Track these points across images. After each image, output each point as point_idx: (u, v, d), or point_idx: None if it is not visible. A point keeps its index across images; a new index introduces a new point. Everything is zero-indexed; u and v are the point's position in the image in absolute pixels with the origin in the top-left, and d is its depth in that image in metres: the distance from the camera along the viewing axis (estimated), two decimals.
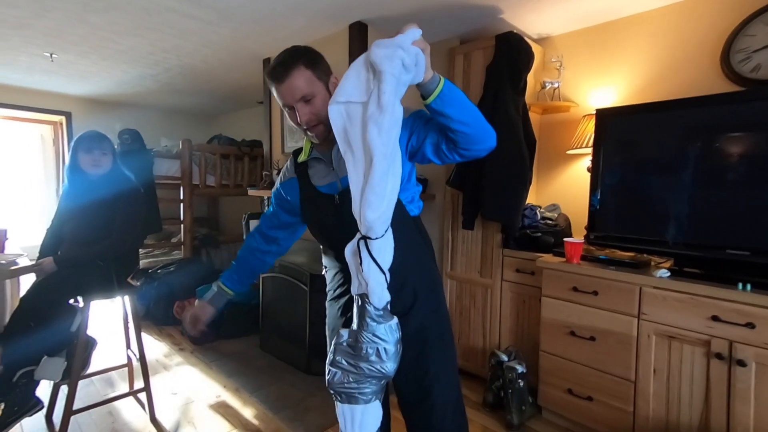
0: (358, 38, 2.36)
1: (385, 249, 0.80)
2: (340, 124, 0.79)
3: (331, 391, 0.84)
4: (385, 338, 0.80)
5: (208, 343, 2.84)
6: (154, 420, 1.91)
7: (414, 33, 0.73)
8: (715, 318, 1.40)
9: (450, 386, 1.01)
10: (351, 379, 0.81)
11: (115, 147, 3.02)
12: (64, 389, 1.83)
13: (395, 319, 0.83)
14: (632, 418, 1.61)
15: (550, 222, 2.23)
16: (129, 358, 2.09)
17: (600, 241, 1.87)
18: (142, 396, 1.96)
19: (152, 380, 2.03)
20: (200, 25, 2.37)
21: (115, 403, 2.01)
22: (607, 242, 1.85)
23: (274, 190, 1.16)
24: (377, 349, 0.80)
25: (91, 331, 1.77)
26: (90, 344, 1.81)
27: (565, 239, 1.88)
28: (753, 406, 1.34)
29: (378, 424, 0.85)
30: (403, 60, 0.72)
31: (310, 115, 0.93)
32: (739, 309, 1.36)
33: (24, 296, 1.61)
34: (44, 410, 1.80)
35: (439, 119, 0.85)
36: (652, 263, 1.74)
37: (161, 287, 3.22)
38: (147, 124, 4.73)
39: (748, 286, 1.37)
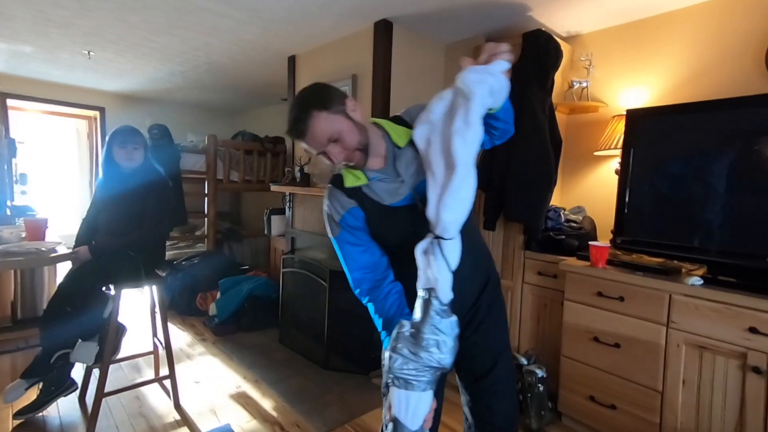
0: (384, 35, 2.37)
1: (454, 250, 0.87)
2: (425, 137, 0.89)
3: (391, 376, 0.88)
4: (446, 332, 0.85)
5: (229, 335, 2.91)
6: (178, 406, 1.98)
7: (504, 65, 0.81)
8: (753, 330, 1.34)
9: (509, 358, 1.14)
10: (411, 367, 0.86)
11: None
12: (95, 372, 1.92)
13: (455, 317, 0.88)
14: (658, 429, 1.56)
15: (575, 225, 2.18)
16: (155, 346, 2.17)
17: (627, 245, 1.81)
18: (167, 383, 2.02)
19: (176, 368, 2.09)
20: (231, 23, 2.43)
21: (142, 388, 2.09)
22: (634, 247, 1.80)
23: (336, 235, 1.04)
24: (437, 341, 0.85)
25: (121, 319, 1.84)
26: (120, 330, 1.88)
27: (590, 243, 1.84)
28: None
29: (427, 411, 0.89)
30: (491, 86, 0.80)
31: (344, 152, 0.93)
32: None
33: (61, 283, 1.70)
34: (77, 392, 1.88)
35: (492, 121, 0.95)
36: (683, 270, 1.68)
37: (185, 278, 3.32)
38: (174, 119, 4.87)
39: None
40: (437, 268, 0.86)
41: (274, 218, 3.54)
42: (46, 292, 2.22)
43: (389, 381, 0.89)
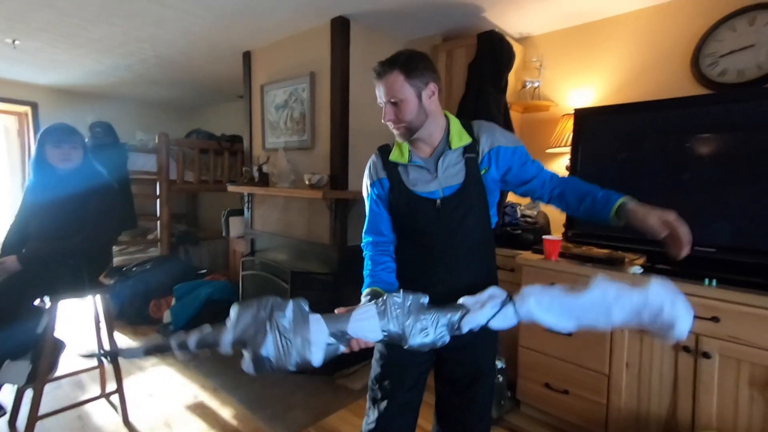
0: (341, 32, 2.34)
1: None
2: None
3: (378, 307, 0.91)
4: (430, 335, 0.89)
5: None
6: (127, 422, 1.86)
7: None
8: None
9: (494, 372, 1.21)
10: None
11: (86, 140, 2.91)
12: (29, 393, 1.75)
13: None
14: (605, 410, 1.66)
15: (530, 220, 2.27)
16: (100, 360, 2.02)
17: (578, 238, 1.91)
18: (115, 398, 1.89)
19: (126, 382, 1.96)
20: (177, 14, 2.30)
21: (86, 406, 1.94)
22: (584, 239, 1.90)
23: (366, 193, 1.16)
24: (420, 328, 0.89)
25: (59, 333, 1.70)
26: (58, 347, 1.73)
27: (543, 237, 1.92)
28: (716, 396, 1.41)
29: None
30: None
31: (394, 117, 1.02)
32: (706, 303, 1.41)
33: None
34: (7, 416, 1.72)
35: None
36: (626, 260, 1.79)
37: (136, 285, 3.12)
38: (121, 117, 4.57)
39: (714, 282, 1.43)
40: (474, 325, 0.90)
41: (233, 219, 3.41)
42: None
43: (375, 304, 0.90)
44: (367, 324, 0.87)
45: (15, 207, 1.79)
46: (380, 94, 1.03)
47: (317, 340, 0.83)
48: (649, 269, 1.63)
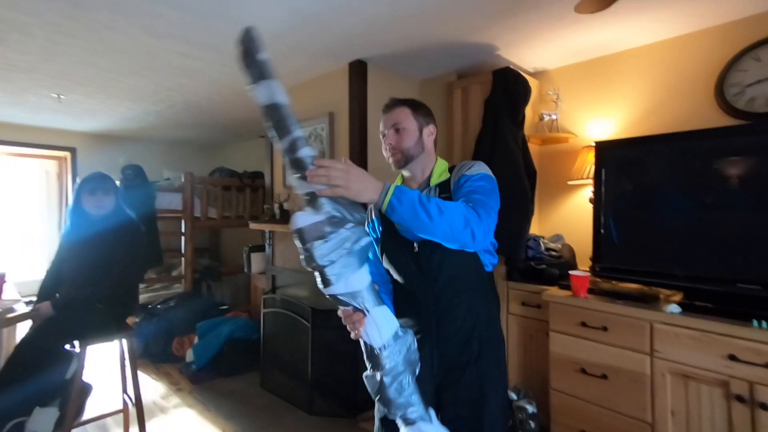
0: (358, 74, 2.42)
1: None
2: None
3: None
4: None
5: (207, 382, 2.76)
6: None
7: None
8: (732, 357, 1.35)
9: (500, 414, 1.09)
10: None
11: (118, 183, 3.06)
12: None
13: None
14: None
15: (554, 253, 2.21)
16: (125, 403, 2.02)
17: (606, 273, 1.84)
18: None
19: (149, 424, 1.95)
20: (204, 65, 2.44)
21: None
22: (613, 274, 1.82)
23: (368, 224, 1.17)
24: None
25: (86, 376, 1.71)
26: (85, 391, 1.75)
27: (570, 272, 1.85)
28: None
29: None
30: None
31: (394, 142, 1.08)
32: (757, 348, 1.31)
33: (19, 343, 1.57)
34: None
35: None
36: (662, 296, 1.70)
37: (160, 323, 3.16)
38: (149, 157, 4.80)
39: (764, 323, 1.33)
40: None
41: (254, 255, 3.45)
42: (4, 354, 2.06)
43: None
44: (384, 326, 0.86)
45: (53, 245, 1.87)
46: (386, 123, 1.10)
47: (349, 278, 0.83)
48: (687, 307, 1.54)
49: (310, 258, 0.81)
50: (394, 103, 1.11)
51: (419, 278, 1.05)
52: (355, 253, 0.83)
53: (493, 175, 1.05)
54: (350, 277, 0.83)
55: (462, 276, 1.04)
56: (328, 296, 0.86)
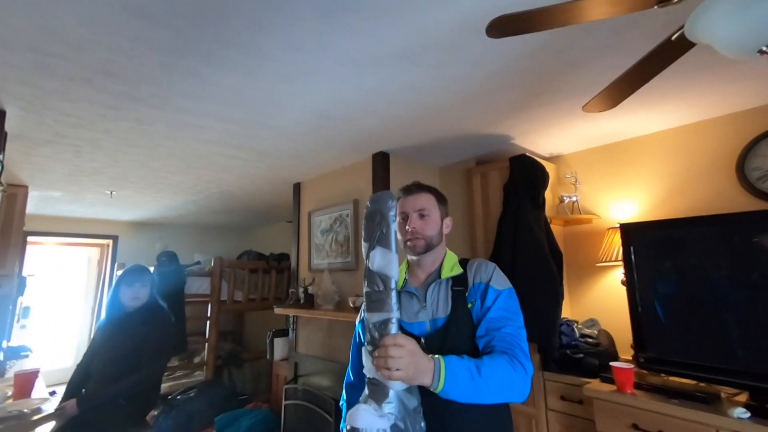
0: (381, 164, 2.59)
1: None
2: None
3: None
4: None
5: None
6: None
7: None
8: None
9: None
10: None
11: (152, 269, 3.18)
12: None
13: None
14: None
15: (591, 340, 2.07)
16: None
17: (652, 364, 1.69)
18: None
19: None
20: (242, 162, 2.68)
21: None
22: (660, 366, 1.67)
23: (358, 321, 1.15)
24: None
25: None
26: None
27: (611, 364, 1.72)
28: None
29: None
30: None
31: (417, 227, 1.06)
32: None
33: None
34: None
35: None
36: (723, 395, 1.53)
37: (179, 416, 3.04)
38: (182, 240, 5.06)
39: None
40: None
41: (277, 341, 3.39)
42: None
43: None
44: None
45: (85, 335, 1.90)
46: (408, 206, 1.08)
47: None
48: (757, 411, 1.36)
49: None
50: (419, 188, 1.10)
51: None
52: None
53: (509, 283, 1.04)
54: None
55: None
56: None
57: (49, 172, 2.70)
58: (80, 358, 1.87)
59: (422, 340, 0.99)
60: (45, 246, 4.55)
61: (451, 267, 1.07)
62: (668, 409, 1.48)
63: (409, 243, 1.07)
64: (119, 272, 1.92)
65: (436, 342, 0.98)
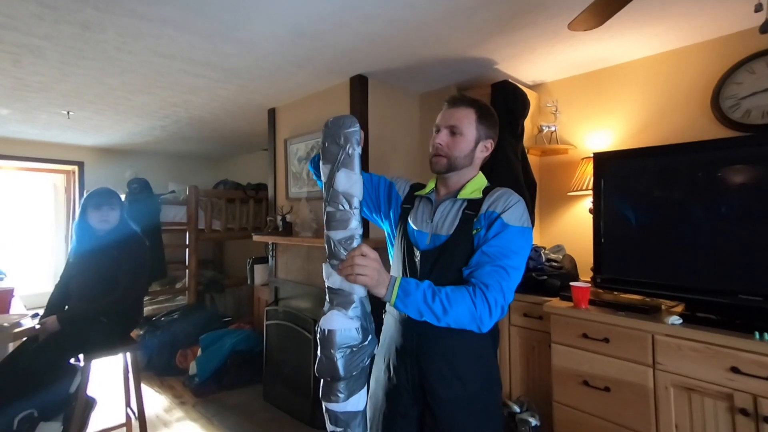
0: (359, 89, 2.47)
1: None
2: None
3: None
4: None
5: (211, 395, 2.76)
6: None
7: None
8: (734, 369, 1.34)
9: None
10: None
11: (124, 196, 3.10)
12: None
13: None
14: None
15: (556, 264, 2.21)
16: (128, 417, 2.03)
17: (607, 284, 1.84)
18: None
19: None
20: (209, 82, 2.50)
21: None
22: (614, 285, 1.82)
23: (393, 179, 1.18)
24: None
25: (90, 390, 1.73)
26: (89, 405, 1.76)
27: (571, 283, 1.85)
28: None
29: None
30: None
31: (444, 144, 1.01)
32: (760, 361, 1.30)
33: (22, 356, 1.58)
34: None
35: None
36: (663, 308, 1.70)
37: (164, 336, 3.18)
38: (155, 170, 4.87)
39: (766, 335, 1.33)
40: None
41: (257, 267, 3.48)
42: None
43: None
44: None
45: (61, 257, 1.89)
46: (444, 119, 1.02)
47: None
48: (689, 318, 1.53)
49: (331, 366, 0.81)
50: (462, 101, 1.02)
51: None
52: (364, 370, 0.86)
53: (529, 220, 0.98)
54: (356, 395, 0.85)
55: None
56: (325, 408, 0.86)
57: None
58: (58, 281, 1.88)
59: (417, 253, 1.01)
60: (4, 171, 4.31)
61: (472, 190, 1.02)
62: (614, 319, 1.64)
63: (432, 159, 1.03)
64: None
65: (430, 258, 0.98)
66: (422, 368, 0.99)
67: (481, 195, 1.01)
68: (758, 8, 0.82)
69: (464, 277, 0.94)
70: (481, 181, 1.06)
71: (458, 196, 1.02)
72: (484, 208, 0.98)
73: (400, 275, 1.04)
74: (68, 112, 3.04)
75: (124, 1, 1.54)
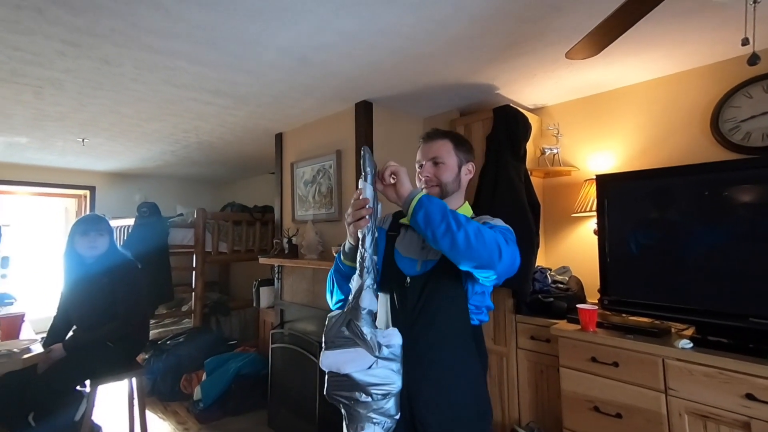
0: (364, 114, 2.53)
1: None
2: None
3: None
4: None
5: (215, 421, 2.72)
6: None
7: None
8: (750, 396, 1.31)
9: None
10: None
11: (133, 220, 3.14)
12: None
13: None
14: None
15: (562, 285, 2.19)
16: None
17: (614, 306, 1.82)
18: None
19: None
20: (218, 109, 2.58)
21: None
22: (622, 307, 1.80)
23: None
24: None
25: (95, 416, 1.72)
26: None
27: (578, 306, 1.83)
28: None
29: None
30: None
31: (431, 175, 1.07)
32: None
33: (25, 383, 1.56)
34: None
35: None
36: (673, 330, 1.67)
37: (169, 360, 3.16)
38: (163, 193, 4.96)
39: None
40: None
41: (263, 290, 3.48)
42: None
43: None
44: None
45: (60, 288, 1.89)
46: (424, 154, 1.08)
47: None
48: (700, 342, 1.51)
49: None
50: (436, 135, 1.08)
51: (402, 318, 0.99)
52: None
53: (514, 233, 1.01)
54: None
55: (443, 323, 0.98)
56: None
57: (10, 115, 2.55)
58: None
59: (407, 279, 1.01)
60: (18, 196, 4.41)
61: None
62: (623, 343, 1.61)
63: (424, 191, 1.05)
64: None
65: (419, 282, 0.99)
66: (410, 394, 0.97)
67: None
68: (745, 42, 0.85)
69: None
70: (467, 209, 1.11)
71: None
72: None
73: (389, 298, 1.04)
74: (83, 140, 3.15)
75: (142, 36, 1.63)
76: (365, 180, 0.94)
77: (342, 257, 1.03)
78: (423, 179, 1.07)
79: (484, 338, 1.08)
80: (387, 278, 1.05)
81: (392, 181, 0.92)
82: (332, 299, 1.09)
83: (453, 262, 0.90)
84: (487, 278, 0.91)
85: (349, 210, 0.93)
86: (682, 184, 1.68)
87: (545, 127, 2.50)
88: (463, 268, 0.89)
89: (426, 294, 0.98)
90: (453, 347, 0.99)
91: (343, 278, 1.03)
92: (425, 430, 0.96)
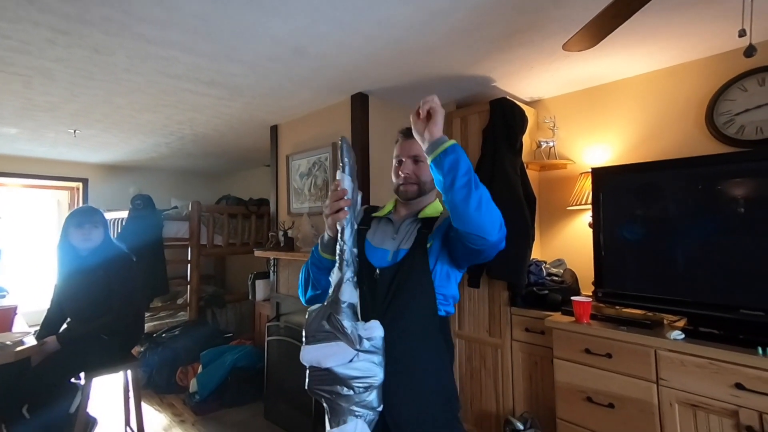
0: (360, 106, 2.51)
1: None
2: None
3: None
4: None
5: (211, 413, 2.73)
6: None
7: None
8: (739, 386, 1.33)
9: None
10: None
11: (127, 213, 3.12)
12: None
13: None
14: None
15: (557, 278, 2.21)
16: None
17: (608, 298, 1.83)
18: None
19: None
20: (213, 100, 2.55)
21: None
22: (615, 299, 1.82)
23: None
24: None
25: (90, 408, 1.72)
26: (89, 425, 1.75)
27: (572, 298, 1.85)
28: None
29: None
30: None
31: (411, 173, 1.06)
32: (765, 377, 1.29)
33: (24, 376, 1.57)
34: None
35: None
36: (666, 322, 1.69)
37: (165, 352, 3.16)
38: (158, 186, 4.92)
39: None
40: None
41: (259, 282, 3.47)
42: None
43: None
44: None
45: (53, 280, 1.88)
46: (404, 150, 1.07)
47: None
48: (691, 333, 1.53)
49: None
50: None
51: (371, 309, 0.98)
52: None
53: None
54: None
55: (409, 315, 0.98)
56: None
57: None
58: None
59: (377, 271, 1.00)
60: (9, 188, 4.36)
61: (431, 212, 1.08)
62: (616, 334, 1.63)
63: (401, 188, 1.07)
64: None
65: (389, 273, 0.99)
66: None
67: (437, 216, 1.07)
68: (742, 33, 0.85)
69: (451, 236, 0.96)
70: (438, 206, 1.12)
71: (419, 216, 1.07)
72: (437, 223, 1.04)
73: (359, 292, 1.01)
74: (75, 131, 3.10)
75: (134, 25, 1.60)
76: (343, 171, 0.93)
77: (320, 249, 1.03)
78: (402, 176, 1.07)
79: (450, 330, 1.09)
80: (357, 272, 1.04)
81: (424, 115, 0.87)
82: (305, 295, 1.09)
83: (453, 219, 0.89)
84: (474, 246, 0.90)
85: (327, 202, 0.94)
86: (676, 178, 1.69)
87: (541, 120, 2.50)
88: (460, 227, 0.88)
89: (395, 285, 0.98)
90: (422, 339, 0.99)
91: (320, 271, 1.03)
92: (395, 420, 0.95)
